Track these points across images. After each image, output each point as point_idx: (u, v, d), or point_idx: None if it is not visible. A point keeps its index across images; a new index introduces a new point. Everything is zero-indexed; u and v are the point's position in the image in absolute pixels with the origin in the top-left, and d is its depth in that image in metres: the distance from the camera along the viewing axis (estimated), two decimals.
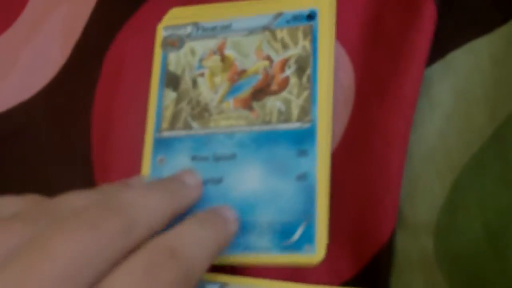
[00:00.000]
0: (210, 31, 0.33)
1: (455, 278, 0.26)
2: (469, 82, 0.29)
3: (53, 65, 0.38)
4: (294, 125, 0.29)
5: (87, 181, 0.34)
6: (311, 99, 0.30)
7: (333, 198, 0.29)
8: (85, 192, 0.25)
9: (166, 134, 0.32)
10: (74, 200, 0.24)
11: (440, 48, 0.30)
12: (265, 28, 0.31)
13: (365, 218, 0.28)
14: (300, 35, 0.31)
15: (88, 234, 0.21)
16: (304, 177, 0.28)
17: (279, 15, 0.32)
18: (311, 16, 0.31)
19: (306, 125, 0.29)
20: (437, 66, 0.30)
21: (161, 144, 0.31)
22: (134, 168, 0.32)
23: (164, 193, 0.26)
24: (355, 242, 0.28)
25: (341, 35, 0.32)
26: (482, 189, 0.26)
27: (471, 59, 0.29)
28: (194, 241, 0.24)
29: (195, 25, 0.33)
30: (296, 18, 0.31)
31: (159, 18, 0.35)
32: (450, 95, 0.29)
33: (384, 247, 0.27)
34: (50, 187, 0.34)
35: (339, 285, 0.28)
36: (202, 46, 0.32)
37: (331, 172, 0.29)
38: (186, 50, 0.33)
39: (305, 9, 0.31)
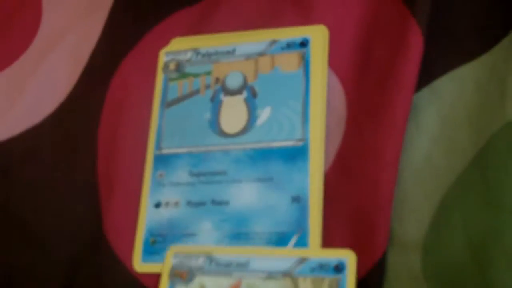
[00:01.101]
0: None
1: None
2: (454, 108, 0.30)
3: (61, 92, 0.39)
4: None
5: (93, 201, 0.34)
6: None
7: (327, 218, 0.29)
8: None
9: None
10: None
11: (427, 75, 0.31)
12: (285, 273, 0.28)
13: (359, 237, 0.29)
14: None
15: None
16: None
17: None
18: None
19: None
20: (424, 93, 0.31)
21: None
22: (137, 186, 0.33)
23: None
24: None
25: (333, 63, 0.33)
26: (465, 208, 0.27)
27: (456, 86, 0.30)
28: None
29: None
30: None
31: (161, 47, 0.37)
32: (436, 119, 0.30)
33: (377, 264, 0.28)
34: (59, 208, 0.35)
35: None
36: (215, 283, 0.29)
37: (325, 191, 0.30)
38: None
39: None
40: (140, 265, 0.31)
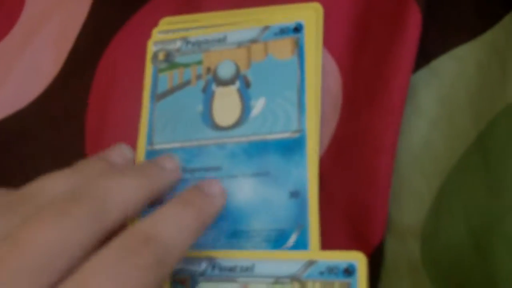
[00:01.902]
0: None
1: (441, 282, 0.26)
2: (454, 88, 0.29)
3: (47, 75, 0.38)
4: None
5: None
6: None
7: (323, 205, 0.29)
8: (63, 175, 0.26)
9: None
10: (50, 186, 0.25)
11: (425, 55, 0.30)
12: (293, 277, 0.27)
13: (356, 224, 0.28)
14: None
15: (59, 222, 0.22)
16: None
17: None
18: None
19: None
20: (422, 73, 0.30)
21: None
22: None
23: (140, 178, 0.26)
24: (346, 247, 0.28)
25: (328, 42, 0.32)
26: (466, 193, 0.26)
27: (455, 66, 0.29)
28: (171, 223, 0.24)
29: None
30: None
31: (150, 27, 0.35)
32: (435, 101, 0.29)
33: (375, 251, 0.28)
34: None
35: None
36: None
37: (320, 176, 0.29)
38: None
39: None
40: None
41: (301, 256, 0.27)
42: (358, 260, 0.27)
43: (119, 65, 0.36)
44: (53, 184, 0.25)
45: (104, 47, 0.37)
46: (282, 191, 0.29)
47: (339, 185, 0.29)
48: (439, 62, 0.30)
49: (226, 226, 0.29)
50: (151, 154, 0.32)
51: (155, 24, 0.36)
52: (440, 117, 0.29)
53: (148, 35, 0.35)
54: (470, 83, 0.29)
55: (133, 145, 0.33)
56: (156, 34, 0.35)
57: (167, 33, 0.35)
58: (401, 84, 0.29)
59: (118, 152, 0.30)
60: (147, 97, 0.33)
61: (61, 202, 0.23)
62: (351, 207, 0.28)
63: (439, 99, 0.29)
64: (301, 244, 0.28)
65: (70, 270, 0.21)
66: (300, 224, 0.28)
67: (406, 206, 0.28)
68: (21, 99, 0.38)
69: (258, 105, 0.31)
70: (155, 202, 0.29)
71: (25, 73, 0.39)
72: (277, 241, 0.28)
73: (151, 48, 0.34)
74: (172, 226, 0.24)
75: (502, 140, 0.25)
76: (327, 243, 0.28)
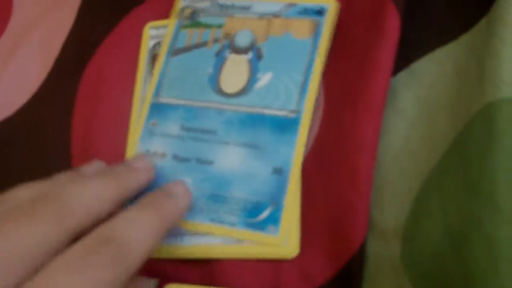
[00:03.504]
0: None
1: (420, 283, 0.26)
2: (433, 90, 0.29)
3: (33, 82, 0.39)
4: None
5: None
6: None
7: (305, 205, 0.29)
8: (33, 184, 0.27)
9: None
10: (20, 193, 0.26)
11: (405, 57, 0.30)
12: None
13: (338, 224, 0.28)
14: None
15: (24, 223, 0.23)
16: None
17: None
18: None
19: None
20: (402, 75, 0.30)
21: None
22: None
23: (106, 180, 0.27)
24: (329, 248, 0.29)
25: None
26: (444, 194, 0.26)
27: (435, 68, 0.29)
28: (132, 225, 0.25)
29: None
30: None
31: (138, 33, 0.36)
32: (414, 103, 0.29)
33: (357, 252, 0.28)
34: None
35: None
36: None
37: (302, 177, 0.30)
38: None
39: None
40: None
41: None
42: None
43: (106, 71, 0.37)
44: (22, 192, 0.26)
45: (91, 54, 0.38)
46: (266, 165, 0.30)
47: (321, 186, 0.29)
48: (418, 65, 0.30)
49: (207, 190, 0.30)
50: (156, 106, 0.33)
51: (141, 30, 0.36)
52: (419, 119, 0.29)
53: (134, 41, 0.36)
54: (449, 85, 0.29)
55: (120, 149, 0.34)
56: (148, 29, 0.36)
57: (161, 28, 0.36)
58: (381, 85, 0.29)
59: (92, 166, 0.31)
60: (165, 50, 0.34)
61: (27, 205, 0.24)
62: (332, 208, 0.29)
63: (418, 101, 0.29)
64: (272, 219, 0.29)
65: (37, 269, 0.23)
66: (277, 200, 0.29)
67: (387, 207, 0.28)
68: (9, 107, 0.39)
69: (264, 79, 0.32)
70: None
71: (12, 81, 0.40)
72: (251, 212, 0.29)
73: (147, 33, 0.35)
74: (133, 227, 0.25)
75: (479, 141, 0.25)
76: (308, 244, 0.29)
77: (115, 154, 0.34)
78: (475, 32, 0.29)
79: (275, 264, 0.29)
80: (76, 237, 0.24)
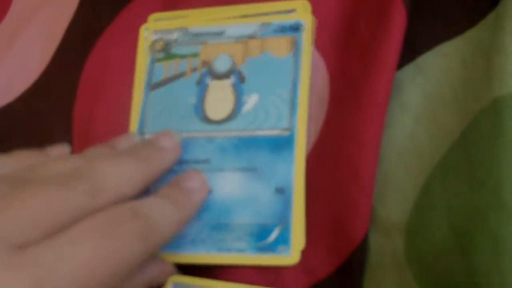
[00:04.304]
0: None
1: (423, 278, 0.26)
2: (439, 85, 0.29)
3: (35, 70, 0.38)
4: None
5: None
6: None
7: (308, 200, 0.29)
8: (68, 158, 0.28)
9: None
10: (55, 165, 0.27)
11: (411, 51, 0.30)
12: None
13: (340, 219, 0.28)
14: None
15: (55, 190, 0.24)
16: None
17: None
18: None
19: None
20: (408, 69, 0.30)
21: None
22: None
23: (136, 160, 0.28)
24: (330, 242, 0.28)
25: (316, 41, 0.32)
26: (449, 190, 0.26)
27: (441, 62, 0.29)
28: (156, 209, 0.26)
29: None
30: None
31: (140, 22, 0.36)
32: (420, 97, 0.29)
33: (358, 247, 0.28)
34: None
35: (314, 284, 0.28)
36: None
37: (306, 172, 0.29)
38: None
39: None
40: None
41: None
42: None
43: (108, 60, 0.36)
44: (57, 164, 0.27)
45: (93, 42, 0.37)
46: (268, 186, 0.29)
47: (324, 181, 0.29)
48: (424, 59, 0.30)
49: (209, 219, 0.29)
50: None
51: (144, 19, 0.36)
52: (424, 114, 0.29)
53: (136, 30, 0.35)
54: (455, 79, 0.29)
55: (122, 131, 0.33)
56: (152, 21, 0.35)
57: (164, 20, 0.35)
58: (386, 80, 0.29)
59: (126, 139, 0.31)
60: (141, 86, 0.33)
61: (61, 177, 0.25)
62: (335, 202, 0.29)
63: (424, 96, 0.29)
64: (282, 240, 0.28)
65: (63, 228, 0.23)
66: (284, 219, 0.28)
67: (391, 202, 0.28)
68: (9, 94, 0.38)
69: (250, 101, 0.31)
70: None
71: (12, 69, 0.39)
72: (259, 235, 0.28)
73: (143, 34, 0.35)
74: (157, 212, 0.26)
75: (485, 136, 0.25)
76: (310, 238, 0.28)
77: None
78: (482, 26, 0.29)
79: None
80: None
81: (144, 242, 0.24)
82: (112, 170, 0.26)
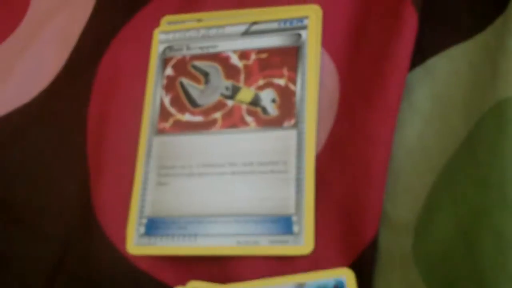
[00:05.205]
0: None
1: (430, 276, 0.27)
2: (447, 87, 0.30)
3: (50, 72, 0.39)
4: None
5: (83, 181, 0.35)
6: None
7: (319, 199, 0.30)
8: None
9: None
10: None
11: (421, 54, 0.31)
12: None
13: (351, 217, 0.29)
14: None
15: None
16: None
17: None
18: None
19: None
20: (418, 71, 0.31)
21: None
22: (127, 169, 0.34)
23: None
24: (341, 240, 0.29)
25: (326, 42, 0.33)
26: (456, 190, 0.27)
27: (450, 65, 0.30)
28: None
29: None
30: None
31: (153, 26, 0.36)
32: (429, 99, 0.30)
33: (369, 245, 0.28)
34: (48, 187, 0.35)
35: None
36: None
37: (317, 172, 0.30)
38: None
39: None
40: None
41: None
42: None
43: (121, 62, 0.37)
44: None
45: (107, 45, 0.38)
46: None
47: (336, 180, 0.30)
48: (434, 61, 0.31)
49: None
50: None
51: (157, 22, 0.36)
52: (433, 115, 0.30)
53: (150, 33, 0.36)
54: (463, 82, 0.30)
55: (134, 139, 0.34)
56: (165, 24, 0.36)
57: (177, 23, 0.36)
58: (398, 82, 0.29)
59: None
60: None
61: None
62: (346, 201, 0.29)
63: (433, 97, 0.30)
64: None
65: None
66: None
67: (401, 201, 0.29)
68: (25, 95, 0.39)
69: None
70: None
71: (29, 70, 0.39)
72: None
73: (157, 37, 0.35)
74: None
75: (490, 137, 0.26)
76: (321, 237, 0.29)
77: (129, 147, 0.34)
78: (490, 31, 0.30)
79: (288, 257, 0.29)
80: None
81: None
82: None
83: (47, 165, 0.35)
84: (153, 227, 0.31)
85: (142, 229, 0.31)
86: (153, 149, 0.33)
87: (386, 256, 0.28)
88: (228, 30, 0.34)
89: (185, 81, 0.34)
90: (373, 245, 0.28)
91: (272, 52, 0.33)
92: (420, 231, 0.28)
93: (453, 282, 0.25)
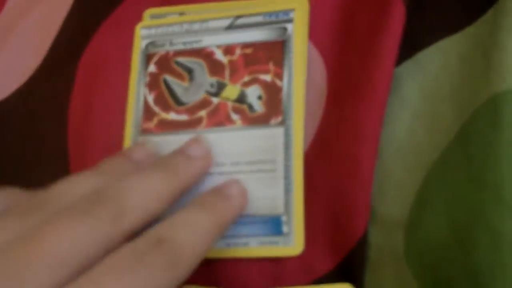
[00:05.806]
0: None
1: (422, 274, 0.26)
2: (437, 81, 0.29)
3: (28, 67, 0.38)
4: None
5: (63, 174, 0.33)
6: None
7: (307, 197, 0.29)
8: (83, 178, 0.26)
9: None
10: (71, 189, 0.25)
11: (409, 47, 0.30)
12: None
13: (339, 215, 0.28)
14: None
15: (78, 221, 0.22)
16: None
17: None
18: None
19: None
20: (406, 65, 0.30)
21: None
22: None
23: (163, 174, 0.26)
24: (330, 238, 0.29)
25: (313, 35, 0.32)
26: (448, 186, 0.26)
27: (440, 58, 0.30)
28: (187, 227, 0.25)
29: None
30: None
31: (136, 18, 0.35)
32: (418, 93, 0.29)
33: (358, 243, 0.28)
34: (29, 184, 0.34)
35: (314, 281, 0.28)
36: None
37: (305, 170, 0.30)
38: None
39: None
40: None
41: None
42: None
43: (103, 56, 0.36)
44: (75, 186, 0.26)
45: (88, 39, 0.37)
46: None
47: (323, 177, 0.29)
48: (423, 55, 0.30)
49: None
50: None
51: (140, 15, 0.35)
52: (423, 110, 0.29)
53: (132, 27, 0.35)
54: (454, 76, 0.29)
55: (117, 133, 0.33)
56: (148, 18, 0.35)
57: (159, 17, 0.35)
58: (385, 75, 0.29)
59: (141, 148, 0.30)
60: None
61: (82, 204, 0.23)
62: (333, 199, 0.29)
63: (423, 92, 0.29)
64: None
65: (86, 269, 0.22)
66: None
67: (390, 198, 0.28)
68: (3, 90, 0.38)
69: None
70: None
71: (6, 65, 0.38)
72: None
73: (138, 33, 0.35)
74: (188, 229, 0.25)
75: (484, 132, 0.25)
76: (309, 235, 0.29)
77: (112, 142, 0.33)
78: (481, 23, 0.29)
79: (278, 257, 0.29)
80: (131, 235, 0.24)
81: (172, 270, 0.23)
82: (137, 188, 0.25)
83: (26, 167, 0.35)
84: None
85: None
86: None
87: (376, 255, 0.28)
88: (212, 24, 0.33)
89: (169, 78, 0.33)
90: (362, 244, 0.28)
91: (257, 46, 0.32)
92: (411, 228, 0.27)
93: (446, 279, 0.25)
